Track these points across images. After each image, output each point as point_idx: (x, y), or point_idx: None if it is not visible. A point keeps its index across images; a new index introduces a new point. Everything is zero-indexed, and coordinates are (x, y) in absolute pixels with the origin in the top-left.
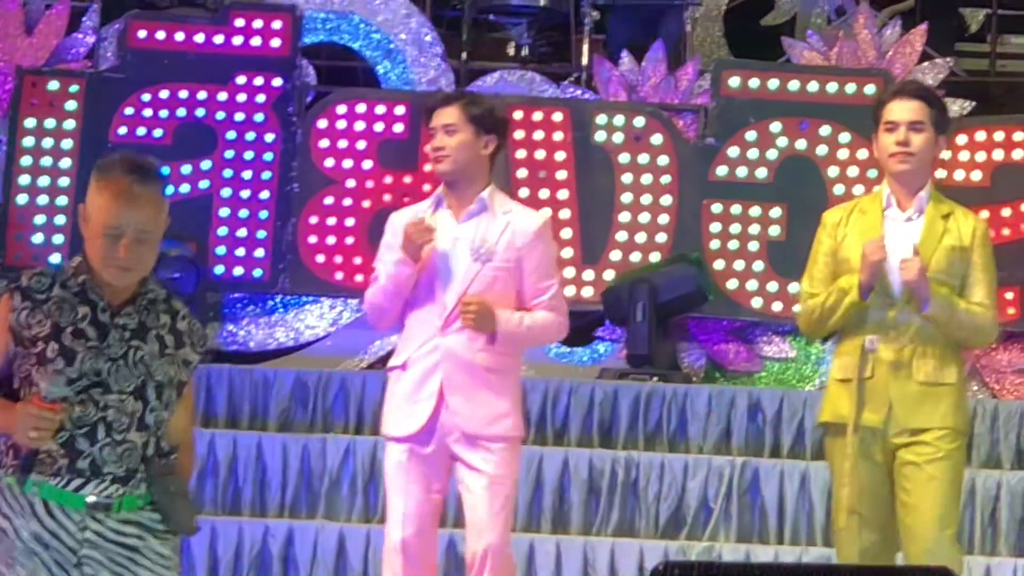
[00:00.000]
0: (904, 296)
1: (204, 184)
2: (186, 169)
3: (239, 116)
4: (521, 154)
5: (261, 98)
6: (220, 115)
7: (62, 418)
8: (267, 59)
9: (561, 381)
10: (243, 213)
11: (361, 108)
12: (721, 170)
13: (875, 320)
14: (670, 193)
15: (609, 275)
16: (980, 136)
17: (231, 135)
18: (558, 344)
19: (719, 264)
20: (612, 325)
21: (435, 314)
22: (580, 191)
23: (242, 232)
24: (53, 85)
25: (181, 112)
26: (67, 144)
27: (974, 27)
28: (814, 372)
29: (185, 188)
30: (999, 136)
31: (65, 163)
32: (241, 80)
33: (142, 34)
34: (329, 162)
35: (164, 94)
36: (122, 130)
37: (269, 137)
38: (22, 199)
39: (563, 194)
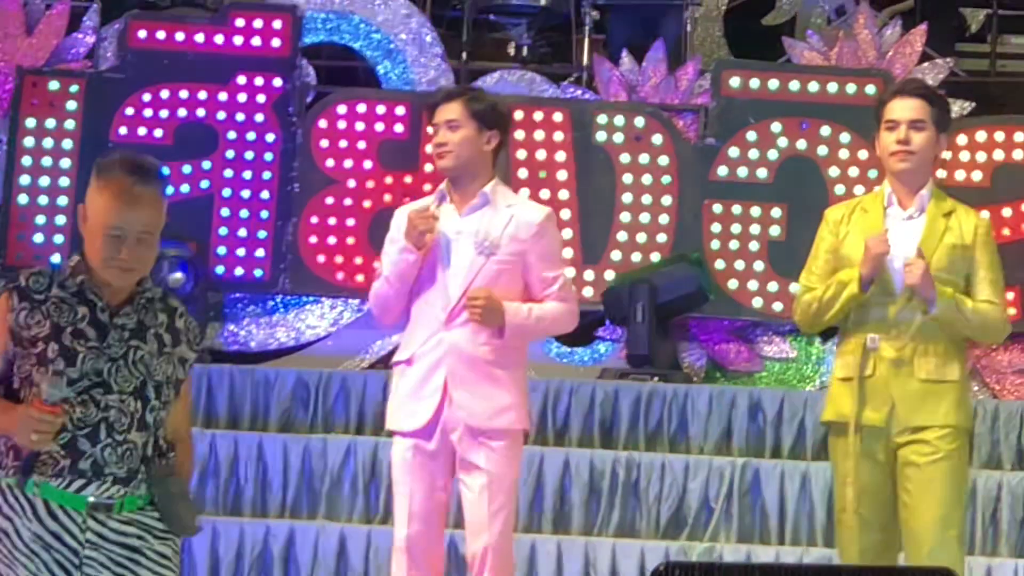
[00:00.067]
0: (905, 293)
1: (205, 184)
2: (186, 169)
3: (240, 116)
4: (522, 154)
5: (261, 98)
6: (221, 115)
7: (63, 420)
8: (267, 59)
9: (562, 381)
10: (244, 213)
11: (361, 108)
12: (722, 170)
13: (876, 318)
14: (670, 193)
15: (610, 275)
16: (980, 136)
17: (231, 135)
18: (559, 344)
19: (720, 264)
20: (612, 325)
21: (439, 308)
22: (580, 191)
23: (243, 232)
24: (53, 85)
25: (181, 112)
26: (67, 144)
27: (974, 27)
28: (815, 372)
29: (185, 188)
30: (999, 136)
31: (65, 163)
32: (241, 80)
33: (142, 34)
34: (330, 162)
35: (164, 94)
36: (122, 130)
37: (270, 137)
38: (23, 199)
39: (564, 194)
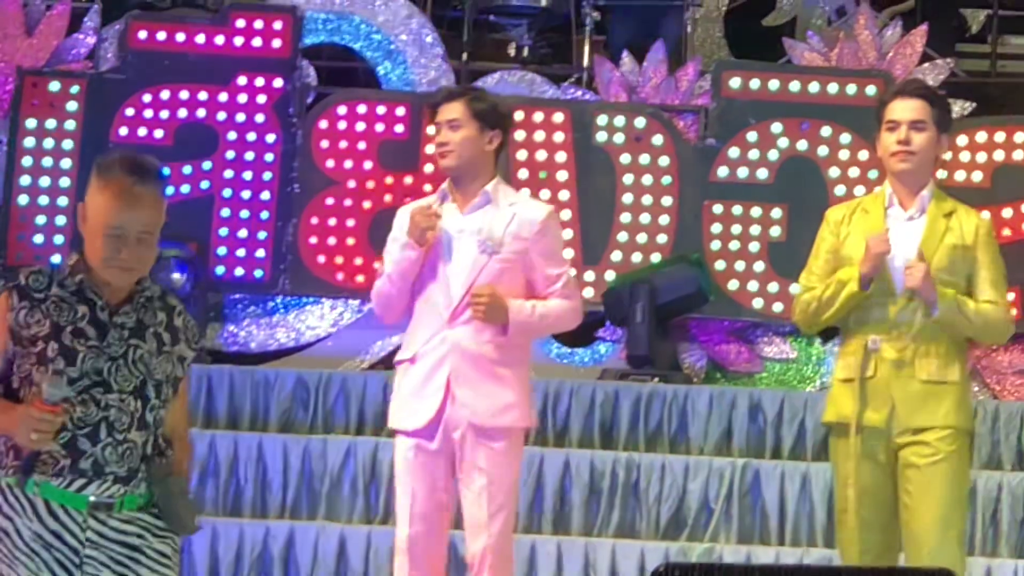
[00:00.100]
0: (906, 294)
1: (205, 185)
2: (187, 170)
3: (240, 117)
4: (522, 155)
5: (262, 99)
6: (221, 116)
7: (63, 420)
8: (268, 60)
9: (562, 382)
10: (244, 214)
11: (362, 109)
12: (722, 171)
13: (877, 319)
14: (671, 194)
15: (610, 276)
16: (980, 137)
17: (232, 136)
18: (559, 345)
19: (720, 265)
20: (612, 326)
21: (442, 307)
22: (581, 192)
23: (243, 233)
24: (54, 86)
25: (182, 113)
26: (68, 145)
27: (975, 28)
28: (815, 373)
29: (186, 189)
30: (1000, 137)
31: (66, 163)
32: (242, 81)
33: (143, 35)
34: (330, 163)
35: (165, 95)
36: (123, 131)
37: (270, 138)
38: (23, 199)
39: (564, 195)
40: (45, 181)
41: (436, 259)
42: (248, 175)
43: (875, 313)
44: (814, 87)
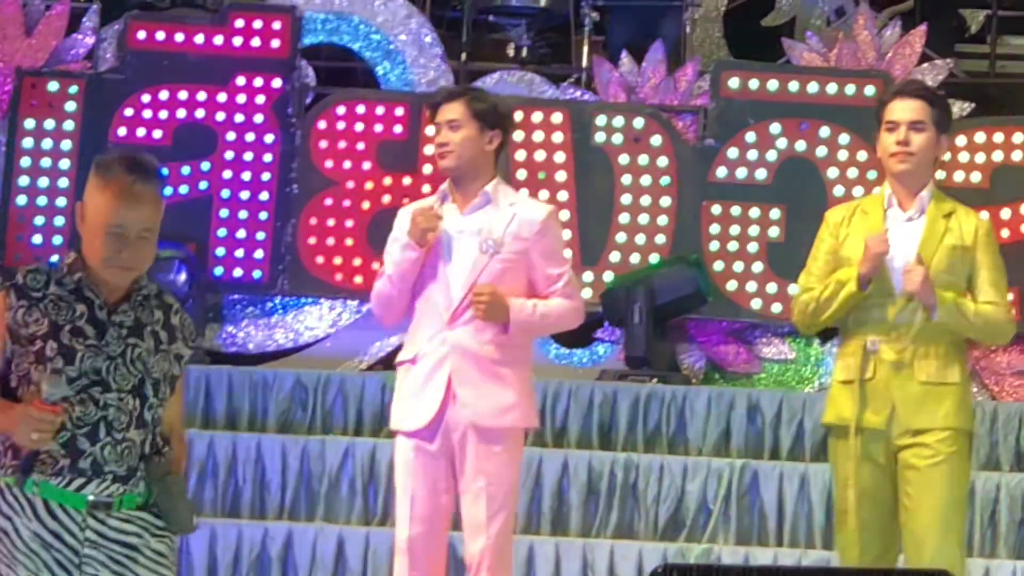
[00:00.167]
0: (905, 295)
1: (203, 185)
2: (185, 170)
3: (239, 117)
4: (520, 155)
5: (261, 99)
6: (220, 116)
7: (63, 419)
8: (267, 60)
9: (560, 382)
10: (242, 214)
11: (360, 109)
12: (720, 171)
13: (876, 320)
14: (669, 194)
15: (608, 276)
16: (979, 137)
17: (231, 136)
18: (557, 345)
19: (718, 265)
20: (611, 326)
21: (442, 308)
22: (579, 192)
23: (241, 233)
24: (52, 86)
25: (181, 113)
26: (66, 145)
27: (974, 28)
28: (813, 374)
29: (184, 189)
30: (998, 137)
31: (64, 164)
32: (241, 81)
33: (142, 35)
34: (328, 163)
35: (164, 95)
36: (122, 131)
37: (268, 138)
38: (21, 200)
39: (562, 195)
40: (44, 182)
41: (436, 260)
42: (247, 175)
43: (874, 314)
44: (813, 87)
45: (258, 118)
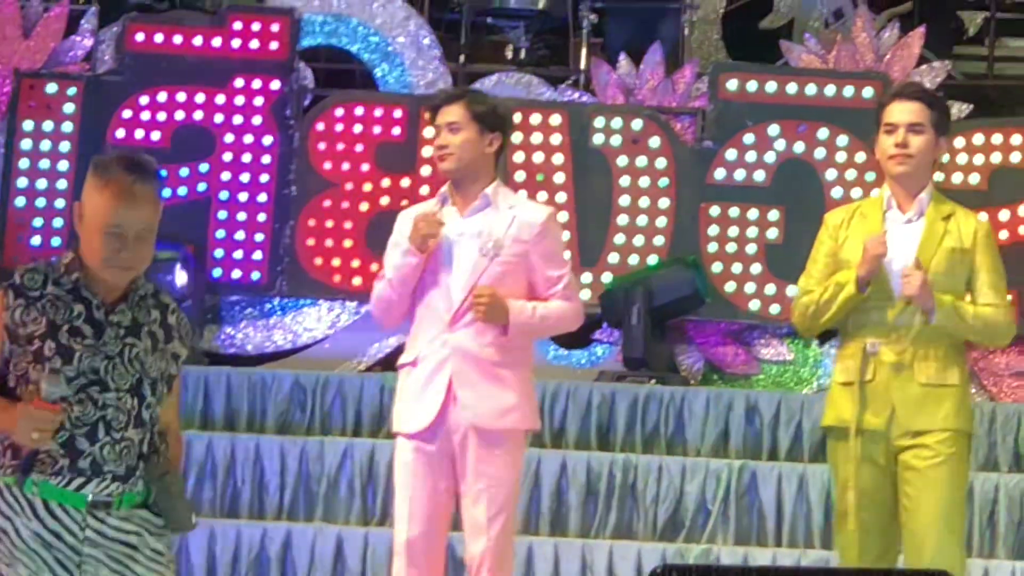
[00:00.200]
0: (904, 298)
1: (202, 187)
2: (184, 172)
3: (237, 119)
4: (519, 157)
5: (259, 101)
6: (218, 118)
7: (62, 418)
8: (265, 62)
9: (559, 383)
10: (241, 216)
11: (359, 111)
12: (719, 173)
13: (876, 322)
14: (668, 196)
15: (607, 278)
16: (978, 139)
17: (229, 138)
18: (556, 347)
19: (717, 267)
20: (609, 328)
21: (443, 310)
22: (578, 194)
23: (240, 235)
24: (51, 88)
25: (179, 115)
26: (65, 147)
27: (972, 30)
28: (812, 375)
29: (183, 191)
30: (997, 139)
31: (63, 166)
32: (239, 83)
33: (140, 37)
34: (327, 165)
35: (162, 97)
36: (120, 133)
37: (267, 140)
38: (20, 202)
39: (561, 197)
40: (42, 183)
41: (437, 263)
42: (245, 177)
43: (874, 316)
44: (811, 89)
45: (256, 120)
